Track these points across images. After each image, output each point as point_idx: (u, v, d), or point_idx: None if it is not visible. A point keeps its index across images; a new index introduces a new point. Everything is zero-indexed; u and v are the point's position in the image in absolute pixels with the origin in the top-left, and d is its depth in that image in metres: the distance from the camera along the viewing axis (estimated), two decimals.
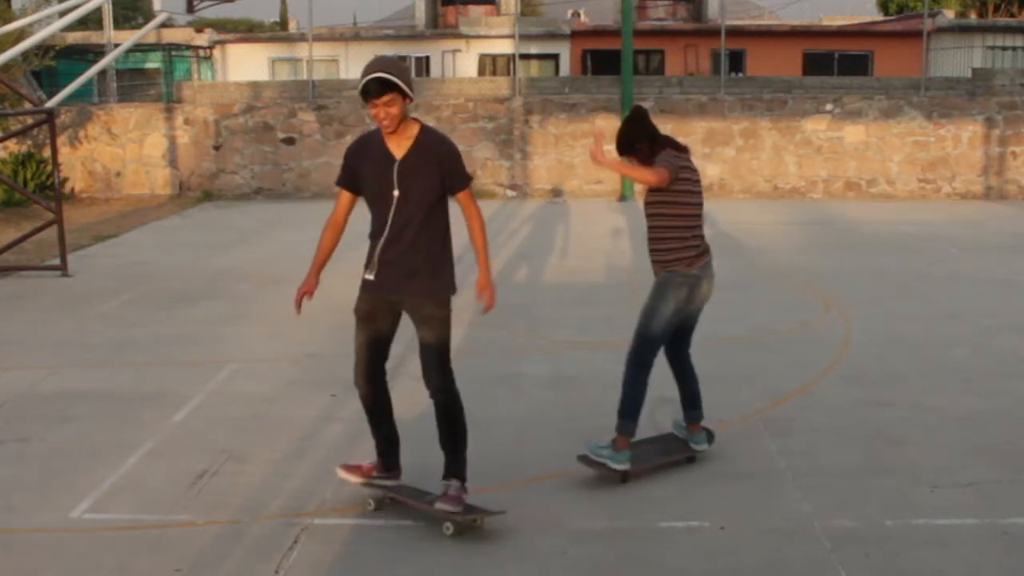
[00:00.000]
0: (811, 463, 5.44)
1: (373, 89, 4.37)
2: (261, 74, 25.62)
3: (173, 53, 25.48)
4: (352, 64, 25.14)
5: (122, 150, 17.68)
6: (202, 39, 26.64)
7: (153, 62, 25.91)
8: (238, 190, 17.70)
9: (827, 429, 5.96)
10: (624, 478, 5.14)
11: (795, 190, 17.37)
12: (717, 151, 17.26)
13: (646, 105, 15.13)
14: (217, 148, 17.67)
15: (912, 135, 17.22)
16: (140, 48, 23.35)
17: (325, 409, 6.31)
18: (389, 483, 4.86)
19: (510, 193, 17.51)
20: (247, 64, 26.23)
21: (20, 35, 14.54)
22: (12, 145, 16.35)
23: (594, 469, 5.16)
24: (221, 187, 17.68)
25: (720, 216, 14.26)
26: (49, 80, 20.45)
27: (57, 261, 10.90)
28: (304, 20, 23.48)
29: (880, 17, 34.64)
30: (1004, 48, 25.50)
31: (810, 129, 17.26)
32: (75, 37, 21.61)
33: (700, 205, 5.27)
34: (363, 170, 4.62)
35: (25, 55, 15.47)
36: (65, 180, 16.72)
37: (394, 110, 4.42)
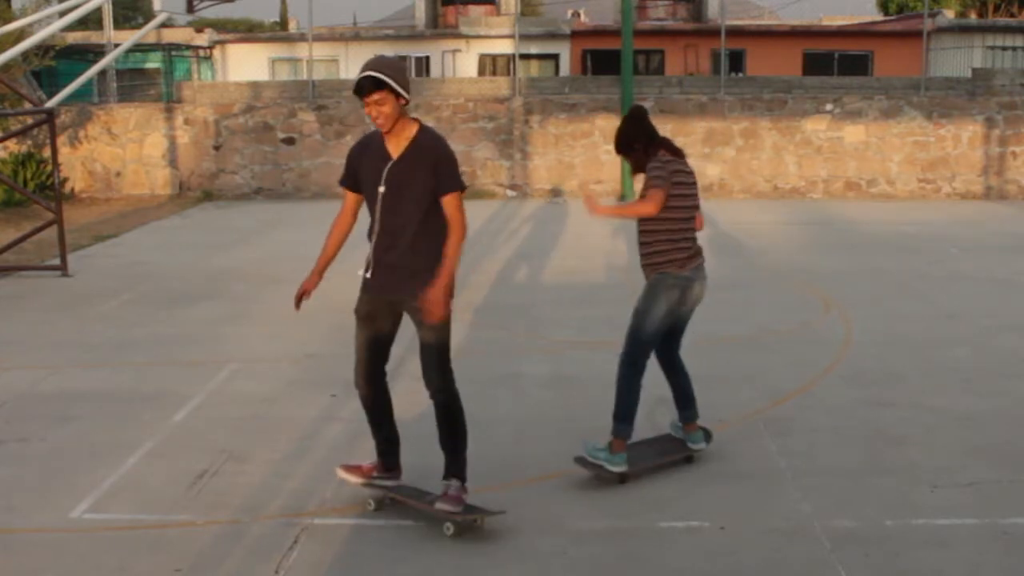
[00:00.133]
0: (811, 463, 5.44)
1: (364, 86, 4.42)
2: (261, 74, 25.62)
3: (173, 53, 25.49)
4: (352, 64, 25.13)
5: (122, 150, 17.68)
6: (202, 39, 26.65)
7: (153, 62, 25.92)
8: (238, 190, 17.71)
9: (827, 429, 5.96)
10: (622, 480, 5.14)
11: (795, 190, 17.37)
12: (717, 151, 17.27)
13: (646, 105, 15.13)
14: (217, 148, 17.67)
15: (912, 135, 17.23)
16: (140, 48, 23.36)
17: (325, 409, 6.31)
18: (389, 483, 4.86)
19: (510, 193, 17.51)
20: (247, 64, 26.23)
21: (20, 35, 14.54)
22: (12, 145, 16.35)
23: (590, 471, 5.15)
24: (221, 187, 17.68)
25: (720, 216, 14.26)
26: (49, 80, 20.45)
27: (57, 261, 10.90)
28: (304, 20, 23.52)
29: (880, 17, 34.64)
30: (1004, 48, 25.51)
31: (810, 129, 17.27)
32: (75, 37, 21.62)
33: (692, 208, 5.24)
34: (361, 169, 4.65)
35: (25, 55, 15.47)
36: (65, 180, 16.72)
37: (386, 109, 4.43)
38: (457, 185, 4.56)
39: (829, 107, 17.22)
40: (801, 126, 17.26)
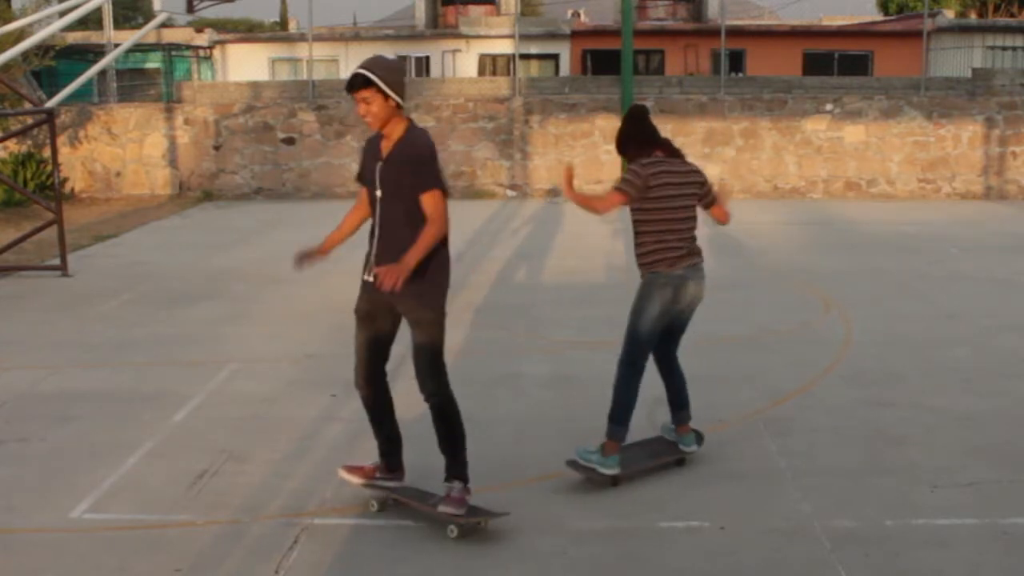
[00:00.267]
0: (811, 463, 5.44)
1: (352, 83, 4.46)
2: (261, 74, 25.62)
3: (173, 53, 25.49)
4: (352, 64, 24.83)
5: (122, 150, 17.68)
6: (202, 39, 26.65)
7: (153, 62, 25.92)
8: (238, 190, 17.70)
9: (827, 429, 5.95)
10: (614, 483, 5.12)
11: (795, 190, 17.37)
12: (717, 151, 17.26)
13: (646, 105, 15.12)
14: (217, 148, 17.67)
15: (912, 135, 17.22)
16: (140, 48, 23.35)
17: (325, 409, 6.31)
18: (392, 484, 4.85)
19: (510, 193, 17.51)
20: (247, 64, 26.23)
21: (20, 35, 14.53)
22: (12, 145, 16.35)
23: (582, 474, 5.13)
24: (221, 187, 17.68)
25: None
26: (49, 80, 20.45)
27: (57, 261, 10.90)
28: (304, 20, 23.52)
29: (880, 17, 34.65)
30: (1004, 48, 25.50)
31: (810, 129, 17.27)
32: (75, 37, 21.61)
33: (685, 208, 5.17)
34: (363, 169, 4.71)
35: (25, 55, 15.47)
36: (65, 180, 16.72)
37: (373, 108, 4.44)
38: (434, 184, 4.48)
39: (829, 107, 17.22)
40: (801, 126, 17.26)
